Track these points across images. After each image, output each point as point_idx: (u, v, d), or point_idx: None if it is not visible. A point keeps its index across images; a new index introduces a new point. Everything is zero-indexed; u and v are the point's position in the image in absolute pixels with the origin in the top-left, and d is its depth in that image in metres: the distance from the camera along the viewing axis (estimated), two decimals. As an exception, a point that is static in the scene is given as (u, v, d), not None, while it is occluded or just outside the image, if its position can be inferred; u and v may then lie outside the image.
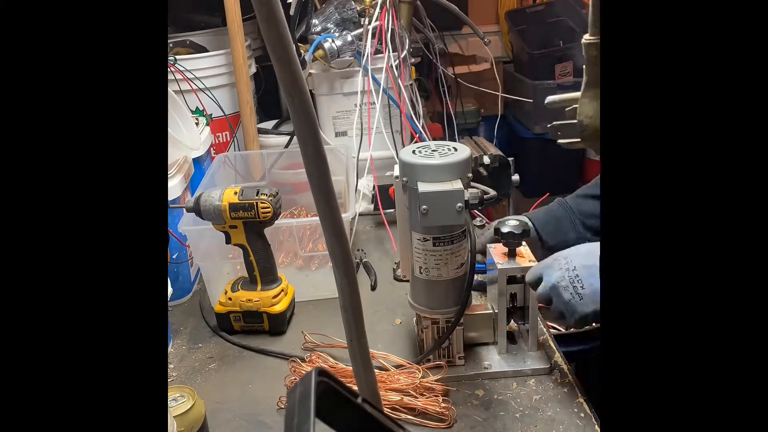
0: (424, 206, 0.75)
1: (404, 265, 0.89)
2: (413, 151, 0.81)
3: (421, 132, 1.45)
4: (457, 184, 0.76)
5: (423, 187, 0.76)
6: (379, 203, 1.27)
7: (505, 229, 0.86)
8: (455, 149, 0.81)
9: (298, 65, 0.39)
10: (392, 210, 1.34)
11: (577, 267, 0.79)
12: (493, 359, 0.89)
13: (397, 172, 0.83)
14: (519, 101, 3.16)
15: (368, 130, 1.38)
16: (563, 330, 1.15)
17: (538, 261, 0.86)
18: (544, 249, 1.09)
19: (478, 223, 1.31)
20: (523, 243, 0.88)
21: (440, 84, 1.85)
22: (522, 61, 3.16)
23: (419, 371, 0.82)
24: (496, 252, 0.89)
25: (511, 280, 0.87)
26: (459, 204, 0.75)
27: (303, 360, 0.90)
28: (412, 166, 0.79)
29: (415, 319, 0.94)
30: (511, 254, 0.87)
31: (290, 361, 0.89)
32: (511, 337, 0.92)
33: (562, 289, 0.79)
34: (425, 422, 0.78)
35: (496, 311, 0.89)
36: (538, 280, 0.83)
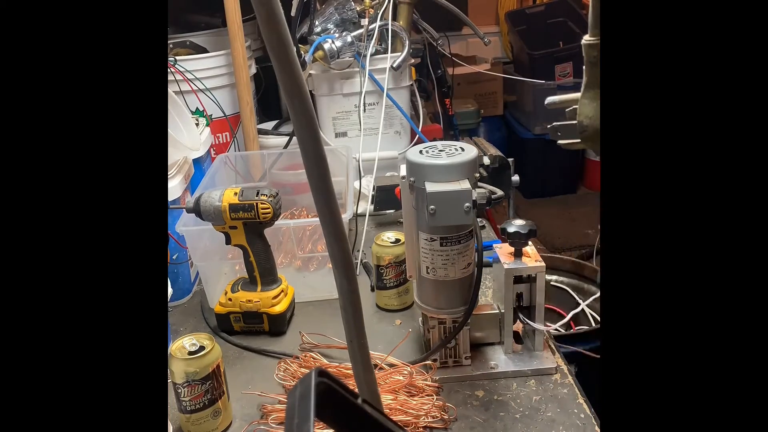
0: (432, 206, 0.75)
1: (411, 264, 0.89)
2: (420, 152, 0.81)
3: (420, 133, 1.45)
4: (465, 184, 0.76)
5: (431, 187, 0.76)
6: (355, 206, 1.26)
7: (511, 229, 0.86)
8: (462, 149, 0.81)
9: (298, 66, 0.39)
10: (391, 210, 1.35)
11: None
12: (500, 359, 0.89)
13: (403, 172, 0.83)
14: (519, 102, 3.16)
15: (360, 131, 1.38)
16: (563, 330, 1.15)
17: None
18: None
19: (479, 224, 1.31)
20: (530, 243, 0.88)
21: (440, 84, 1.85)
22: (522, 62, 3.16)
23: (411, 371, 0.82)
24: (503, 251, 0.89)
25: (518, 279, 0.87)
26: (467, 204, 0.75)
27: (297, 358, 0.89)
28: (420, 166, 0.79)
29: (421, 318, 0.94)
30: (518, 254, 0.87)
31: (281, 362, 0.89)
32: (517, 337, 0.92)
33: None
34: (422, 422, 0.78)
35: (503, 311, 0.89)
36: None
